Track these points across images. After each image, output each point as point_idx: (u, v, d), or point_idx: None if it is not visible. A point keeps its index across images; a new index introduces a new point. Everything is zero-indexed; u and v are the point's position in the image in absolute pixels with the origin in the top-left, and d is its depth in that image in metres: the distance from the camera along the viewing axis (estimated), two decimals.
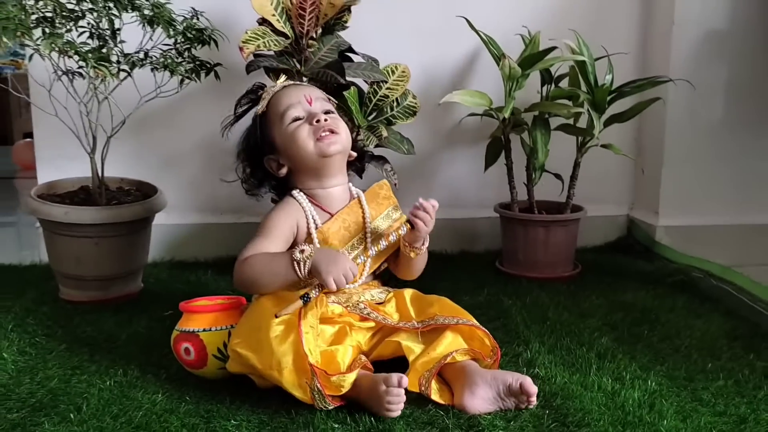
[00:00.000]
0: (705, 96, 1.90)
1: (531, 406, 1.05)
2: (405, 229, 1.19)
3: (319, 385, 1.00)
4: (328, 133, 1.20)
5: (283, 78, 1.31)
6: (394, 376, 1.00)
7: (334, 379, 1.02)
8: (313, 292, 1.09)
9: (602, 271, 1.79)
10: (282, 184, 1.28)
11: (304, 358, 1.01)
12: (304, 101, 1.21)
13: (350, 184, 1.28)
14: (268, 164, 1.26)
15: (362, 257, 1.18)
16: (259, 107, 1.25)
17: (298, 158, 1.21)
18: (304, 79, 1.50)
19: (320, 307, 1.11)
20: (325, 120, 1.20)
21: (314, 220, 1.21)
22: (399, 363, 1.13)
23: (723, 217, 1.97)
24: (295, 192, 1.23)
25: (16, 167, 3.64)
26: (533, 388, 1.04)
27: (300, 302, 1.07)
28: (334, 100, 1.31)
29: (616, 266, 1.82)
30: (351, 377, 1.03)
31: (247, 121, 1.33)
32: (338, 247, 1.20)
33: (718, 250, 1.82)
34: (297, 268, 1.09)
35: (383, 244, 1.19)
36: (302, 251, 1.10)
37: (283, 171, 1.25)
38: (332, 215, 1.22)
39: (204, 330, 1.14)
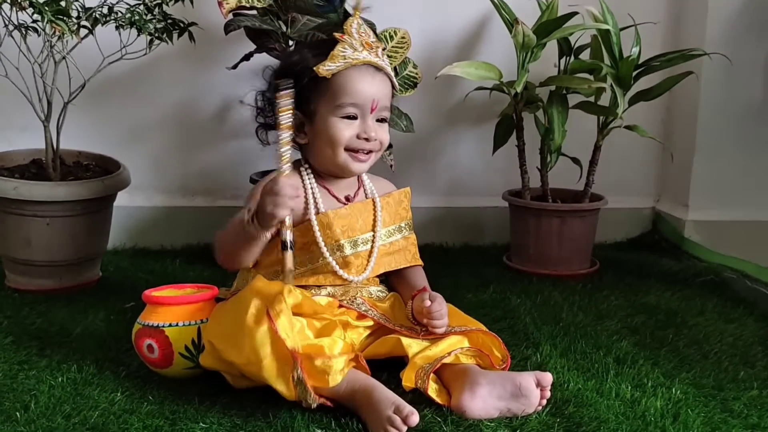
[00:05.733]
0: (745, 73, 1.91)
1: (543, 401, 1.07)
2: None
3: (301, 372, 1.00)
4: (367, 153, 1.22)
5: (365, 53, 1.23)
6: (407, 409, 0.99)
7: (318, 362, 1.01)
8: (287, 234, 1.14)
9: (623, 269, 1.81)
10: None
11: (282, 344, 1.01)
12: (368, 106, 1.21)
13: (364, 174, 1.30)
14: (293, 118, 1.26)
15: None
16: (324, 69, 1.19)
17: (322, 150, 1.23)
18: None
19: (293, 298, 1.09)
20: (375, 139, 1.21)
21: (315, 204, 1.23)
22: (395, 365, 1.14)
23: (761, 211, 1.98)
24: (302, 169, 1.25)
25: None
26: (548, 376, 1.06)
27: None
28: (397, 90, 1.30)
29: (638, 264, 1.84)
30: (339, 363, 1.03)
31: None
32: (340, 237, 1.22)
33: (755, 249, 1.84)
34: (247, 216, 1.12)
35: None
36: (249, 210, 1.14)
37: (303, 141, 1.25)
38: (343, 204, 1.25)
39: (170, 325, 1.14)
